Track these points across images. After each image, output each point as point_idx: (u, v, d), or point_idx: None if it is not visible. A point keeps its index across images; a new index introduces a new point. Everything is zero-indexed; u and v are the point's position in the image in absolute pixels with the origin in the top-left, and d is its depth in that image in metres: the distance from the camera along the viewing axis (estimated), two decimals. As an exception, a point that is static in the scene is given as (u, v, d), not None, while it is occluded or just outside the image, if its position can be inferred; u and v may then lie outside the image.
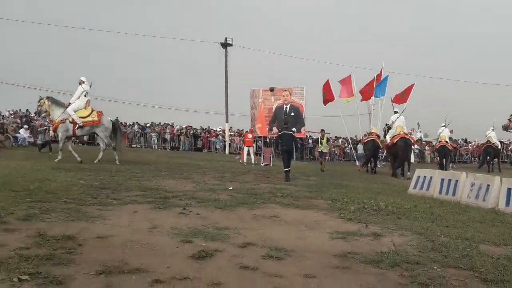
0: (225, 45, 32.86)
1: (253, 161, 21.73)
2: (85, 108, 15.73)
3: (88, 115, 15.65)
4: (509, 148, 36.41)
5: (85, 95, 15.77)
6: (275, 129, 25.47)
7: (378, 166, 22.53)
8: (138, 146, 32.23)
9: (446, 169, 18.63)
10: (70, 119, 15.43)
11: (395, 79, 28.48)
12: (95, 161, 15.27)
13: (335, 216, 7.30)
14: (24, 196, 7.26)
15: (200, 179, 11.92)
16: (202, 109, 40.37)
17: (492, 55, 50.99)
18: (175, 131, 34.07)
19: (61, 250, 4.32)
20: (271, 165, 21.58)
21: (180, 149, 32.23)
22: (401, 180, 16.90)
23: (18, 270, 3.62)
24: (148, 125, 35.28)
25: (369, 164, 21.46)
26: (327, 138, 22.38)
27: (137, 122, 35.55)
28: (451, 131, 24.49)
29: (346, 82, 27.83)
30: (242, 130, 33.74)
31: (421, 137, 28.99)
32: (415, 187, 11.71)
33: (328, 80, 27.95)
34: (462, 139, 39.27)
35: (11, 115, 34.19)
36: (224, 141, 33.01)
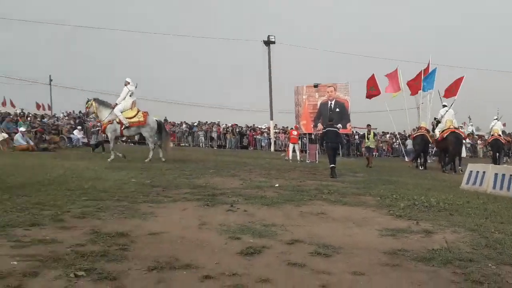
0: (268, 43, 32.90)
1: (298, 158, 21.63)
2: (131, 108, 16.05)
3: (134, 116, 15.95)
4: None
5: (130, 96, 16.11)
6: (319, 126, 25.27)
7: (428, 161, 21.88)
8: (186, 144, 32.91)
9: (499, 164, 17.82)
10: (117, 120, 15.83)
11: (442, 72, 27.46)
12: (146, 160, 15.63)
13: (384, 213, 7.18)
14: (79, 194, 7.56)
15: (246, 177, 12.01)
16: (247, 108, 40.75)
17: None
18: (221, 129, 34.54)
19: (115, 246, 4.46)
20: (317, 161, 21.41)
21: (227, 147, 32.63)
22: (452, 175, 16.37)
23: (74, 266, 3.74)
24: (195, 124, 36.00)
25: (418, 159, 20.90)
26: (374, 133, 21.94)
27: (184, 122, 36.37)
28: (504, 124, 23.31)
29: (392, 76, 27.19)
30: (287, 127, 33.69)
31: (472, 131, 27.89)
32: (467, 183, 11.38)
33: (373, 74, 27.41)
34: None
35: (65, 116, 35.93)
36: (269, 139, 33.07)
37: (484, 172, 10.93)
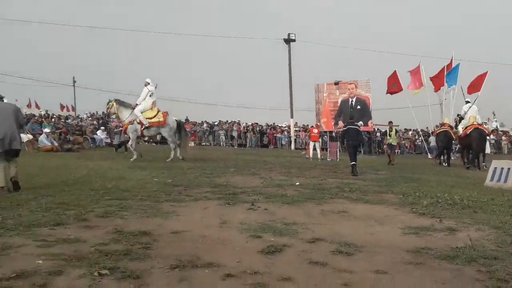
0: (288, 40, 32.80)
1: (319, 156, 21.51)
2: (151, 109, 16.20)
3: (154, 116, 16.09)
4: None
5: (150, 96, 16.23)
6: (340, 123, 25.05)
7: (452, 158, 21.51)
8: (207, 144, 33.12)
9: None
10: (138, 120, 16.00)
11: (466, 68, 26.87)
12: (168, 160, 15.79)
13: (406, 211, 7.09)
14: (102, 194, 7.67)
15: (267, 175, 12.01)
16: (267, 106, 40.73)
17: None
18: (241, 128, 34.64)
19: (138, 245, 4.52)
20: (337, 159, 21.25)
21: (247, 146, 32.68)
22: (476, 172, 16.04)
23: (98, 265, 3.81)
24: (216, 123, 36.20)
25: (442, 156, 20.56)
26: (395, 130, 21.66)
27: (205, 121, 36.61)
28: None
29: (415, 72, 26.76)
30: (307, 125, 33.57)
31: (497, 127, 27.24)
32: (491, 179, 11.16)
33: (395, 71, 27.04)
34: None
35: (89, 117, 36.58)
36: (290, 137, 32.99)
37: (509, 169, 10.72)
